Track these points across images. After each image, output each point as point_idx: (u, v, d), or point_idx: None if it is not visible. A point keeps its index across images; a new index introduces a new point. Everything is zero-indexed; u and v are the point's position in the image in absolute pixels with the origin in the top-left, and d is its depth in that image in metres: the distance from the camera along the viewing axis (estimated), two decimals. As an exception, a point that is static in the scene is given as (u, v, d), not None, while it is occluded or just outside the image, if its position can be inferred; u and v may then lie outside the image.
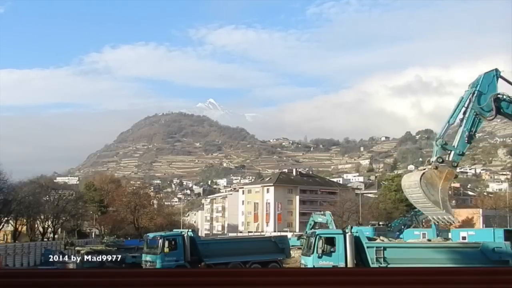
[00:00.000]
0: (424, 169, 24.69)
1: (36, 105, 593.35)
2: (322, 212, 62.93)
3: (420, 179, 23.46)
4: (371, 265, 25.88)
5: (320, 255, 27.24)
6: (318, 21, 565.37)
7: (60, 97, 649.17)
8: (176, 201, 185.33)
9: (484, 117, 25.09)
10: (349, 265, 26.09)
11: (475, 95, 24.75)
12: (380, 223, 59.49)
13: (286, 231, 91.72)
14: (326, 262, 26.76)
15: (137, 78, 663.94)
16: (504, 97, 25.19)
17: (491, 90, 24.95)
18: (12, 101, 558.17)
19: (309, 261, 27.68)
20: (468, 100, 24.99)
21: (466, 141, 25.01)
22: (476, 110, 24.78)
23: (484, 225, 78.34)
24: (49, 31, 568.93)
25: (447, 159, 24.42)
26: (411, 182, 24.55)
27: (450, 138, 25.83)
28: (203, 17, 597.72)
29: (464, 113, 25.03)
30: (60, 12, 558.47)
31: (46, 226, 74.72)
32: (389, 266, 25.35)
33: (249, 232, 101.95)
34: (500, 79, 25.49)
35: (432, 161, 24.18)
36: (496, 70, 25.30)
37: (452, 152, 24.56)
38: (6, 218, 66.96)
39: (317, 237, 27.77)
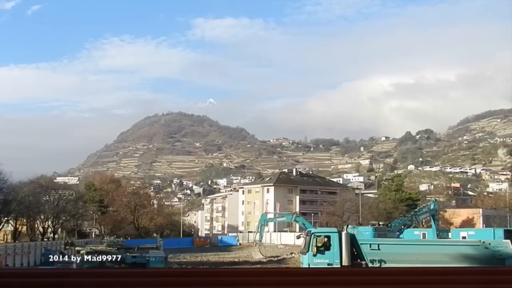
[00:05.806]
0: None
1: (19, 103, 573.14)
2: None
3: None
4: (368, 263, 25.98)
5: (315, 253, 27.38)
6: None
7: (46, 93, 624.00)
8: (176, 201, 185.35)
9: None
10: (344, 263, 26.26)
11: None
12: (380, 223, 59.36)
13: (286, 231, 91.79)
14: (321, 260, 26.91)
15: (130, 72, 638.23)
16: None
17: None
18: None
19: (305, 260, 27.97)
20: None
21: None
22: None
23: (484, 225, 78.40)
24: (33, 26, 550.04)
25: None
26: None
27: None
28: (190, 2, 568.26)
29: None
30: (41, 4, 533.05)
31: (46, 226, 74.74)
32: (385, 264, 25.44)
33: (249, 232, 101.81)
34: None
35: None
36: None
37: None
38: (6, 218, 67.00)
39: (312, 236, 27.85)
